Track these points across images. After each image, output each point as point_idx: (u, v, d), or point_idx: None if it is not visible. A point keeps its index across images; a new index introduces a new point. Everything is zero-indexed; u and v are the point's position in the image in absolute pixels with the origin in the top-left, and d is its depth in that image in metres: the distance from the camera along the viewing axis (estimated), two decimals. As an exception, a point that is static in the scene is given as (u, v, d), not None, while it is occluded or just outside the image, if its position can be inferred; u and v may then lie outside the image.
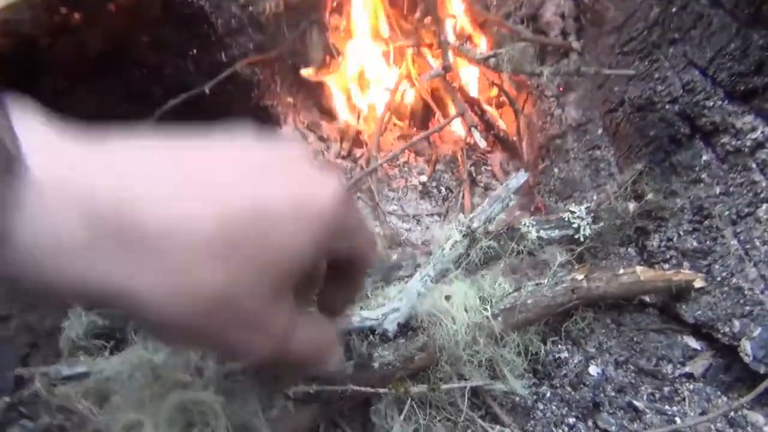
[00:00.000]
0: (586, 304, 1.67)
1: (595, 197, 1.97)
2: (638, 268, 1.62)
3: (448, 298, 1.51)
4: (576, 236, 1.80)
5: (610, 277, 1.59)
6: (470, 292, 1.52)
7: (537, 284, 1.59)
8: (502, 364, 1.51)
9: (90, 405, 1.45)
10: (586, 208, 1.81)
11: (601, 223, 1.80)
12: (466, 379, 1.49)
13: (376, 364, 1.50)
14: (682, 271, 1.63)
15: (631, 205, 1.81)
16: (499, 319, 1.49)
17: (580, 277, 1.58)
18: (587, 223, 1.79)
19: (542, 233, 1.78)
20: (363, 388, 1.46)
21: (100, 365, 1.60)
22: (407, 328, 1.55)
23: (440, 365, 1.50)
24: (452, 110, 2.43)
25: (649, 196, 1.78)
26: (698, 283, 1.62)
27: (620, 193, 1.82)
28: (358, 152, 2.51)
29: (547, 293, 1.55)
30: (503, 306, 1.53)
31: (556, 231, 1.80)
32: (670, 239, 1.77)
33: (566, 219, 1.81)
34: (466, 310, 1.48)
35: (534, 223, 1.79)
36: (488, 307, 1.50)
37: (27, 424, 1.43)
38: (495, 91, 2.55)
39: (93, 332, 1.69)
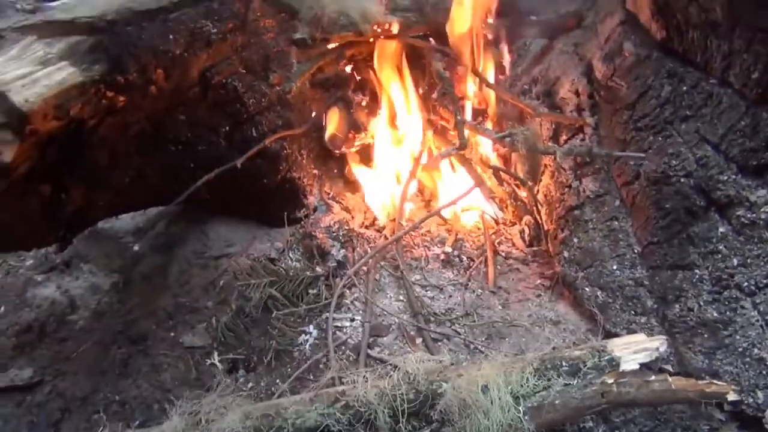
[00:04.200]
0: (615, 408, 1.67)
1: (615, 266, 2.02)
2: (670, 377, 1.59)
3: (485, 390, 1.54)
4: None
5: (640, 383, 1.58)
6: (503, 385, 1.54)
7: (566, 384, 1.59)
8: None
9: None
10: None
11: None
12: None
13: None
14: (715, 382, 1.60)
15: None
16: (527, 417, 1.51)
17: (610, 380, 1.58)
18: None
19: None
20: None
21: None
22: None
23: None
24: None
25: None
26: (731, 396, 1.58)
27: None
28: (381, 222, 2.59)
29: (576, 395, 1.56)
30: (530, 404, 1.54)
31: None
32: (690, 309, 1.80)
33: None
34: (501, 408, 1.50)
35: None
36: (521, 407, 1.52)
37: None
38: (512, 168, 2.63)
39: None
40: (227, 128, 2.27)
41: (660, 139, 1.95)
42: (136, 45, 1.79)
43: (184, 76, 2.01)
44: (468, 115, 2.63)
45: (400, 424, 1.62)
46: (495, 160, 2.70)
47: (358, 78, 2.73)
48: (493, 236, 2.50)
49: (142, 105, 1.93)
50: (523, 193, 2.56)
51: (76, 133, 1.80)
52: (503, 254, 2.44)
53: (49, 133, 1.64)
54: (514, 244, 2.50)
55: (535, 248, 2.46)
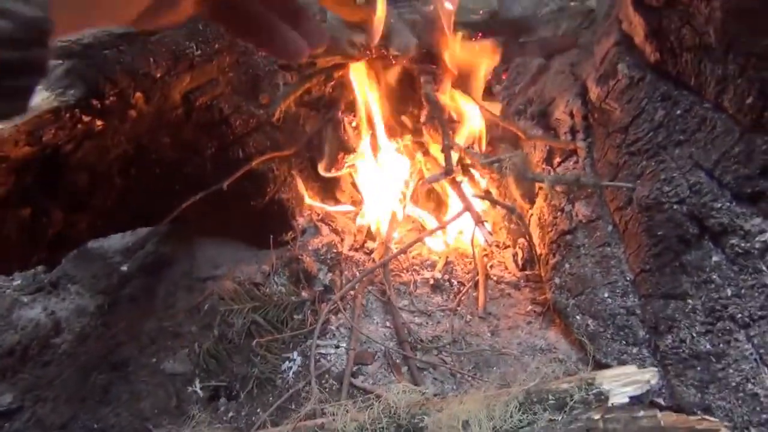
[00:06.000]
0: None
1: (606, 294, 1.97)
2: (659, 412, 1.53)
3: (466, 426, 1.49)
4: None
5: (628, 419, 1.51)
6: (485, 420, 1.49)
7: (551, 420, 1.54)
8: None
9: None
10: None
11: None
12: None
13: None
14: (706, 418, 1.54)
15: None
16: (510, 455, 1.46)
17: (596, 416, 1.52)
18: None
19: None
20: None
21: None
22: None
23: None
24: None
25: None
26: None
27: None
28: (371, 245, 2.54)
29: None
30: (514, 440, 1.49)
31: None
32: (683, 340, 1.74)
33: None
34: None
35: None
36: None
37: None
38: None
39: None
40: (213, 150, 2.24)
41: (653, 163, 1.90)
42: (113, 69, 1.75)
43: (165, 99, 1.98)
44: (462, 138, 2.58)
45: (381, 459, 1.58)
46: (489, 182, 2.64)
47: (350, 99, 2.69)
48: (485, 259, 2.44)
49: (121, 128, 1.90)
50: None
51: (53, 157, 1.77)
52: (495, 278, 2.38)
53: (22, 159, 1.61)
54: (506, 268, 2.44)
55: (528, 272, 2.40)
